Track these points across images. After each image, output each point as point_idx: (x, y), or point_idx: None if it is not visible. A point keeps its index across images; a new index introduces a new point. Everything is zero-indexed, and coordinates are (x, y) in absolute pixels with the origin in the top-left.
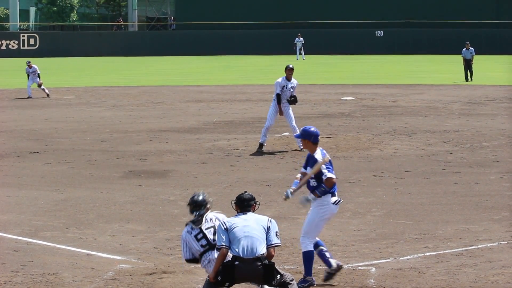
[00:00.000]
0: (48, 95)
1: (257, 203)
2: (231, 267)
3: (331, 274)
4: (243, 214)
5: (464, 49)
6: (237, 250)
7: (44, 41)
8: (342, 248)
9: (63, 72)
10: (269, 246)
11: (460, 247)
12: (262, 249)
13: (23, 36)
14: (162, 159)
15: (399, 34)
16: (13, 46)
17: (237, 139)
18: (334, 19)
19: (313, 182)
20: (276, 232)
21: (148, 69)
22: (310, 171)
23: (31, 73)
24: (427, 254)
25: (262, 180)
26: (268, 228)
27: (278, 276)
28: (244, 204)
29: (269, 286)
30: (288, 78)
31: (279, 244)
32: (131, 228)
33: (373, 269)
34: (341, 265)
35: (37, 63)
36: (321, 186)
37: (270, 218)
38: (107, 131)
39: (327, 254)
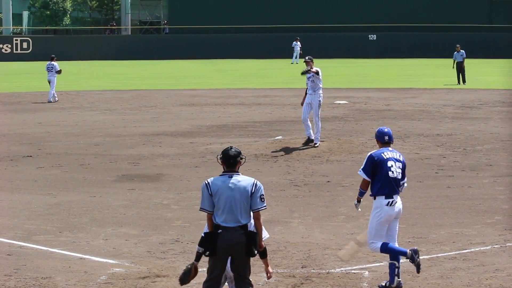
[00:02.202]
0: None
1: (243, 157)
2: (214, 235)
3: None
4: (229, 177)
5: (455, 52)
6: (220, 219)
7: (37, 45)
8: (335, 251)
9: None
10: (254, 210)
11: (453, 251)
12: (246, 218)
13: (16, 40)
14: (155, 163)
15: (392, 38)
16: (6, 50)
17: (230, 143)
18: (327, 23)
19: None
20: (261, 195)
21: (141, 73)
22: None
23: (49, 70)
24: (421, 257)
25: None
26: (252, 193)
27: (258, 249)
28: (230, 162)
29: (250, 256)
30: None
31: (265, 207)
32: (124, 232)
33: (366, 272)
34: (401, 287)
35: (30, 67)
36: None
37: (255, 182)
38: (100, 135)
39: (396, 271)
